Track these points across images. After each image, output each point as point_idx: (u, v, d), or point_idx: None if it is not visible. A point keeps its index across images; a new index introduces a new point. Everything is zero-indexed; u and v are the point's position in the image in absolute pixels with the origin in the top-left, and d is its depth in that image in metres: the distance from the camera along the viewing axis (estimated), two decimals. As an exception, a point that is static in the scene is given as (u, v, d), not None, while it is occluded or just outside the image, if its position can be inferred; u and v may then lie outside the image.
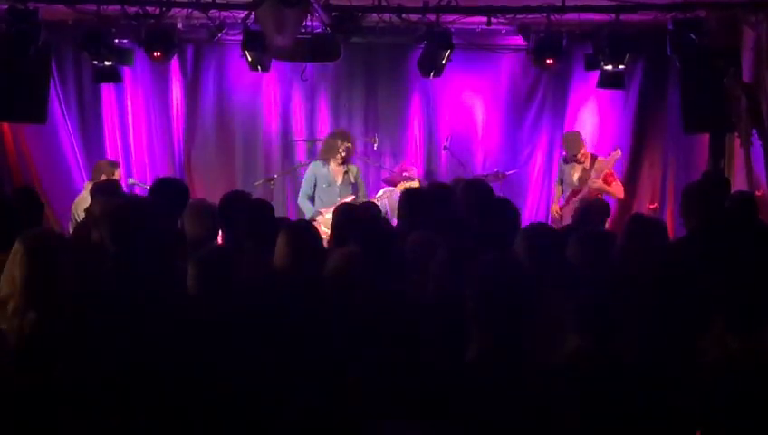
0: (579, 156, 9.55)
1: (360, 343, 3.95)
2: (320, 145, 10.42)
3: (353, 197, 9.19)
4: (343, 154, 9.36)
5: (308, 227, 5.13)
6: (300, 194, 9.59)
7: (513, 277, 3.52)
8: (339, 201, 8.68)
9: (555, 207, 9.82)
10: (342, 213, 6.28)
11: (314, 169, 9.54)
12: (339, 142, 9.40)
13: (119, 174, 9.16)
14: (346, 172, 9.42)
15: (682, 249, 5.69)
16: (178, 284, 4.18)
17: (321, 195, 9.35)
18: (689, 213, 6.01)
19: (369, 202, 8.07)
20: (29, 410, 3.27)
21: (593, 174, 9.35)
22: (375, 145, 10.39)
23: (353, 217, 6.11)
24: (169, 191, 6.11)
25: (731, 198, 6.79)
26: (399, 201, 6.85)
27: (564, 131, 10.55)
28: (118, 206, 4.72)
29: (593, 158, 9.53)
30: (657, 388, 3.60)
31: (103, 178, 8.63)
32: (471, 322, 3.49)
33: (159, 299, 4.12)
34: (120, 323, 3.89)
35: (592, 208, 7.11)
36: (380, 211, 7.30)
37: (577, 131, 9.96)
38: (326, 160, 9.45)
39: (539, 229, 5.19)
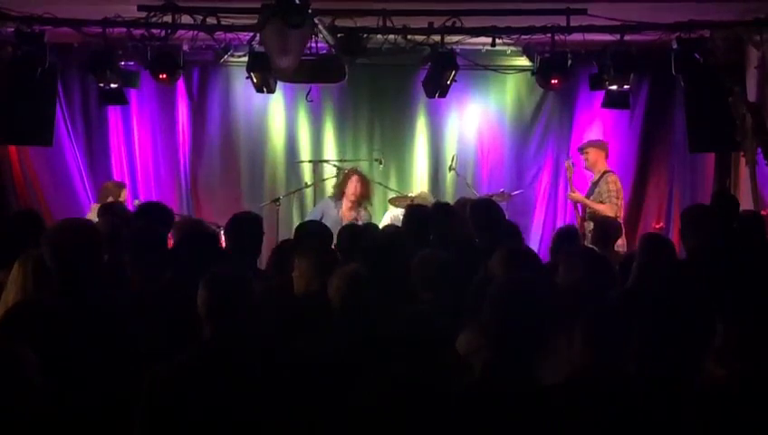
0: (583, 155, 9.67)
1: (363, 361, 3.94)
2: (326, 166, 10.44)
3: None
4: (351, 192, 9.26)
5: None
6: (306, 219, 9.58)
7: (524, 295, 3.52)
8: None
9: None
10: (346, 232, 6.30)
11: (323, 207, 9.42)
12: (352, 186, 9.29)
13: (125, 195, 9.19)
14: (355, 219, 9.16)
15: (686, 268, 5.66)
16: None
17: None
18: (686, 234, 6.03)
19: (370, 223, 8.05)
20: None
21: (596, 190, 9.38)
22: (381, 166, 10.40)
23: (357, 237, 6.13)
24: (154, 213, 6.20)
25: (739, 217, 6.79)
26: (404, 218, 6.86)
27: (571, 150, 10.66)
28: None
29: (605, 174, 9.53)
30: (660, 405, 3.58)
31: (110, 199, 8.67)
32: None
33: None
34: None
35: (610, 229, 7.20)
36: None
37: (601, 141, 9.96)
38: (338, 198, 9.35)
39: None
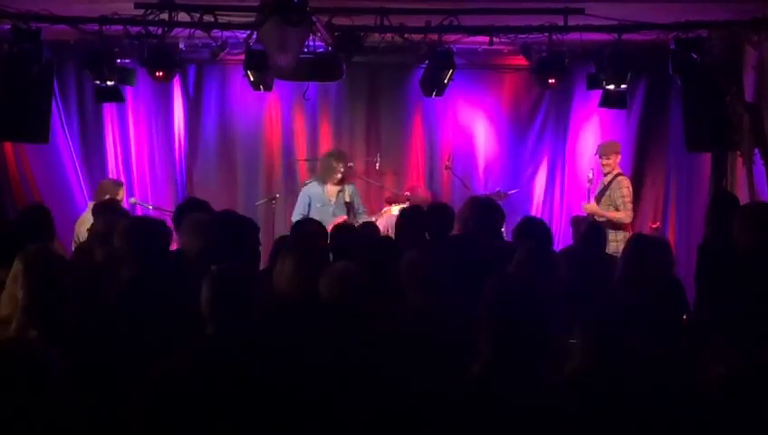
0: (603, 160, 9.56)
1: (357, 362, 3.94)
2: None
3: (345, 217, 9.20)
4: (339, 177, 9.45)
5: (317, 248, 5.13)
6: (293, 214, 9.61)
7: (523, 294, 3.51)
8: (331, 221, 8.67)
9: None
10: (341, 231, 6.29)
11: (308, 190, 9.61)
12: (336, 164, 9.48)
13: (122, 194, 9.17)
14: (340, 191, 9.46)
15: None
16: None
17: (314, 215, 9.29)
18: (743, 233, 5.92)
19: (368, 222, 8.06)
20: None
21: (606, 193, 9.36)
22: (377, 165, 10.40)
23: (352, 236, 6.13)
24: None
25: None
26: (398, 218, 6.86)
27: (567, 150, 10.70)
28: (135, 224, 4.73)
29: (617, 176, 9.52)
30: (659, 404, 3.58)
31: (107, 198, 8.66)
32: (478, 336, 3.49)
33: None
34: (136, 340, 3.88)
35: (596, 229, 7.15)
36: (378, 230, 7.33)
37: (617, 143, 9.87)
38: (323, 181, 9.49)
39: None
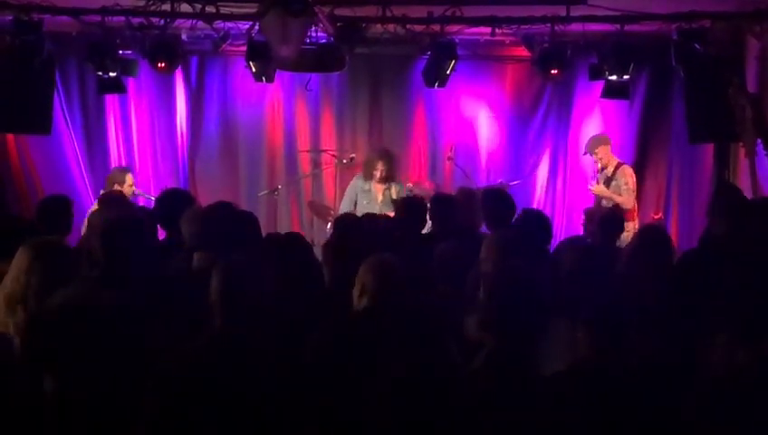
0: (594, 156, 9.58)
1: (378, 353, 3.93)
2: (324, 156, 10.46)
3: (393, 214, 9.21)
4: (378, 175, 9.40)
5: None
6: (340, 208, 9.62)
7: (525, 285, 3.52)
8: None
9: None
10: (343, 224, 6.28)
11: (356, 185, 9.60)
12: (376, 162, 9.44)
13: (130, 179, 9.17)
14: (387, 189, 9.40)
15: (694, 257, 5.65)
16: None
17: (361, 211, 9.31)
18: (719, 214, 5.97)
19: (369, 213, 8.03)
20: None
21: (612, 183, 9.36)
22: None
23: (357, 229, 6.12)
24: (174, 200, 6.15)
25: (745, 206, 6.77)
26: (397, 209, 6.90)
27: (569, 141, 10.71)
28: (108, 221, 4.73)
29: (619, 165, 9.52)
30: (662, 397, 3.58)
31: (116, 187, 8.71)
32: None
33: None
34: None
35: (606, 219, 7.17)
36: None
37: (602, 135, 9.90)
38: (368, 178, 9.45)
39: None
